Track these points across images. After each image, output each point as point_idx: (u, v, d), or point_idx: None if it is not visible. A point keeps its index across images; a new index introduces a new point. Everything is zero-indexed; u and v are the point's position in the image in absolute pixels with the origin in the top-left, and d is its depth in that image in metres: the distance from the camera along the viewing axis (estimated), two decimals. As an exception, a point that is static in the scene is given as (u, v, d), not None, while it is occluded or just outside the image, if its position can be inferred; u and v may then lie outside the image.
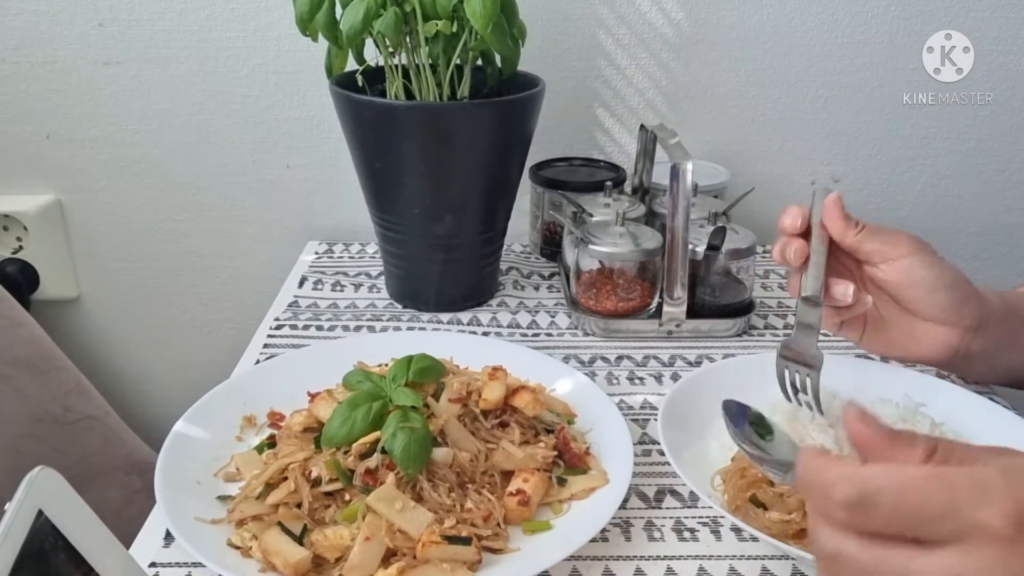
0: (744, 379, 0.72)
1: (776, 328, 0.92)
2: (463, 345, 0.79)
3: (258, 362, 0.82)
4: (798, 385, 0.64)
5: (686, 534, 0.62)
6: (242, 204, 1.14)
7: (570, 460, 0.66)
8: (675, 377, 0.82)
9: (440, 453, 0.61)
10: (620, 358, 0.85)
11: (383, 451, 0.59)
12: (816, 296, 0.64)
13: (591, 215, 0.93)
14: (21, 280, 1.12)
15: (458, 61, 0.85)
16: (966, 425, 0.67)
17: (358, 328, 0.90)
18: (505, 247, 1.00)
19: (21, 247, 1.12)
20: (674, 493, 0.66)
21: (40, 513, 0.31)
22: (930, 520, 0.34)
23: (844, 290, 0.64)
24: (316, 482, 0.60)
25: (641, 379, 0.82)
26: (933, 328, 0.67)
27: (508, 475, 0.63)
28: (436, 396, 0.66)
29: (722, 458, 0.66)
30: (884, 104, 1.10)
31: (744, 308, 0.90)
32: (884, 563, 0.35)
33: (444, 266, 0.92)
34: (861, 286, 0.67)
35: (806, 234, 0.66)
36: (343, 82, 0.87)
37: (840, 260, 0.67)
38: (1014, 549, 0.33)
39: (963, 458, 0.37)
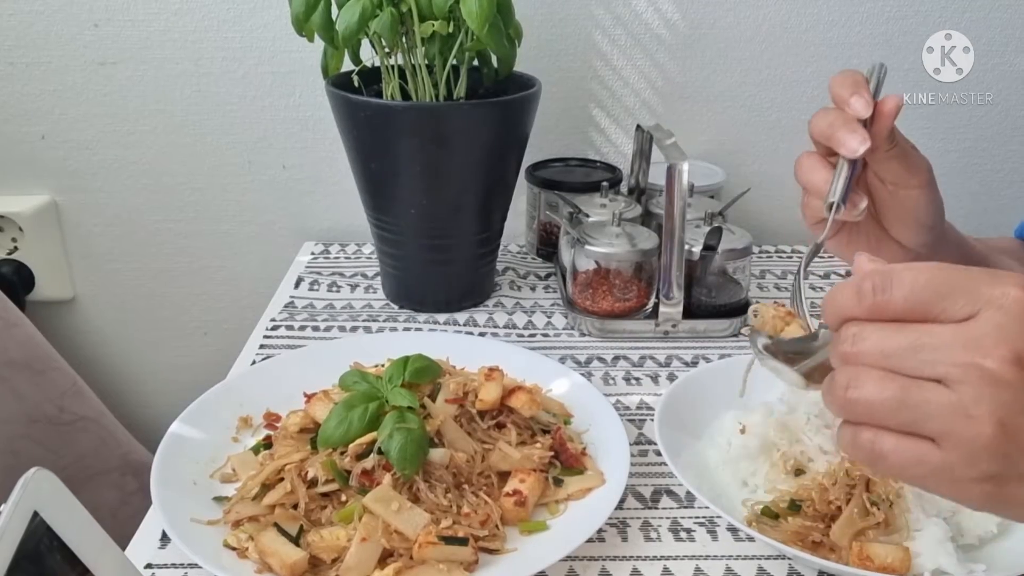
0: (740, 379, 0.72)
1: (772, 328, 0.92)
2: (459, 345, 0.79)
3: (254, 363, 0.82)
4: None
5: (682, 534, 0.62)
6: (238, 205, 1.13)
7: (567, 460, 0.66)
8: (671, 377, 0.82)
9: (437, 454, 0.61)
10: (616, 358, 0.86)
11: (379, 452, 0.59)
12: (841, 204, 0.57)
13: (587, 215, 0.93)
14: (16, 281, 1.11)
15: (454, 61, 0.84)
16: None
17: (354, 329, 0.90)
18: (501, 247, 1.00)
19: (16, 248, 1.12)
20: (670, 493, 0.66)
21: (36, 515, 0.31)
22: (946, 297, 0.37)
23: (861, 202, 0.58)
24: (312, 483, 0.60)
25: (637, 379, 0.82)
26: (896, 247, 0.64)
27: (505, 475, 0.63)
28: (433, 397, 0.66)
29: (719, 458, 0.66)
30: (880, 104, 1.10)
31: (740, 308, 0.90)
32: (900, 334, 0.37)
33: (440, 266, 0.92)
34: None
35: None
36: (339, 82, 0.87)
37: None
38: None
39: None
